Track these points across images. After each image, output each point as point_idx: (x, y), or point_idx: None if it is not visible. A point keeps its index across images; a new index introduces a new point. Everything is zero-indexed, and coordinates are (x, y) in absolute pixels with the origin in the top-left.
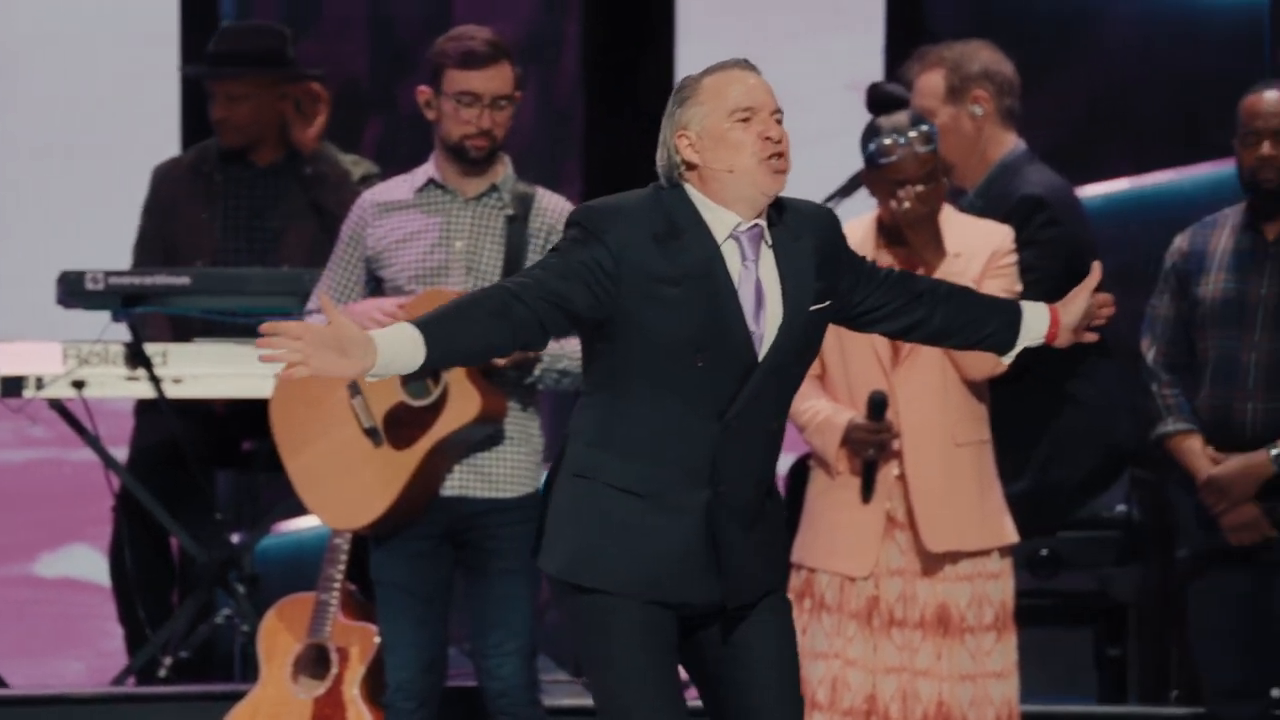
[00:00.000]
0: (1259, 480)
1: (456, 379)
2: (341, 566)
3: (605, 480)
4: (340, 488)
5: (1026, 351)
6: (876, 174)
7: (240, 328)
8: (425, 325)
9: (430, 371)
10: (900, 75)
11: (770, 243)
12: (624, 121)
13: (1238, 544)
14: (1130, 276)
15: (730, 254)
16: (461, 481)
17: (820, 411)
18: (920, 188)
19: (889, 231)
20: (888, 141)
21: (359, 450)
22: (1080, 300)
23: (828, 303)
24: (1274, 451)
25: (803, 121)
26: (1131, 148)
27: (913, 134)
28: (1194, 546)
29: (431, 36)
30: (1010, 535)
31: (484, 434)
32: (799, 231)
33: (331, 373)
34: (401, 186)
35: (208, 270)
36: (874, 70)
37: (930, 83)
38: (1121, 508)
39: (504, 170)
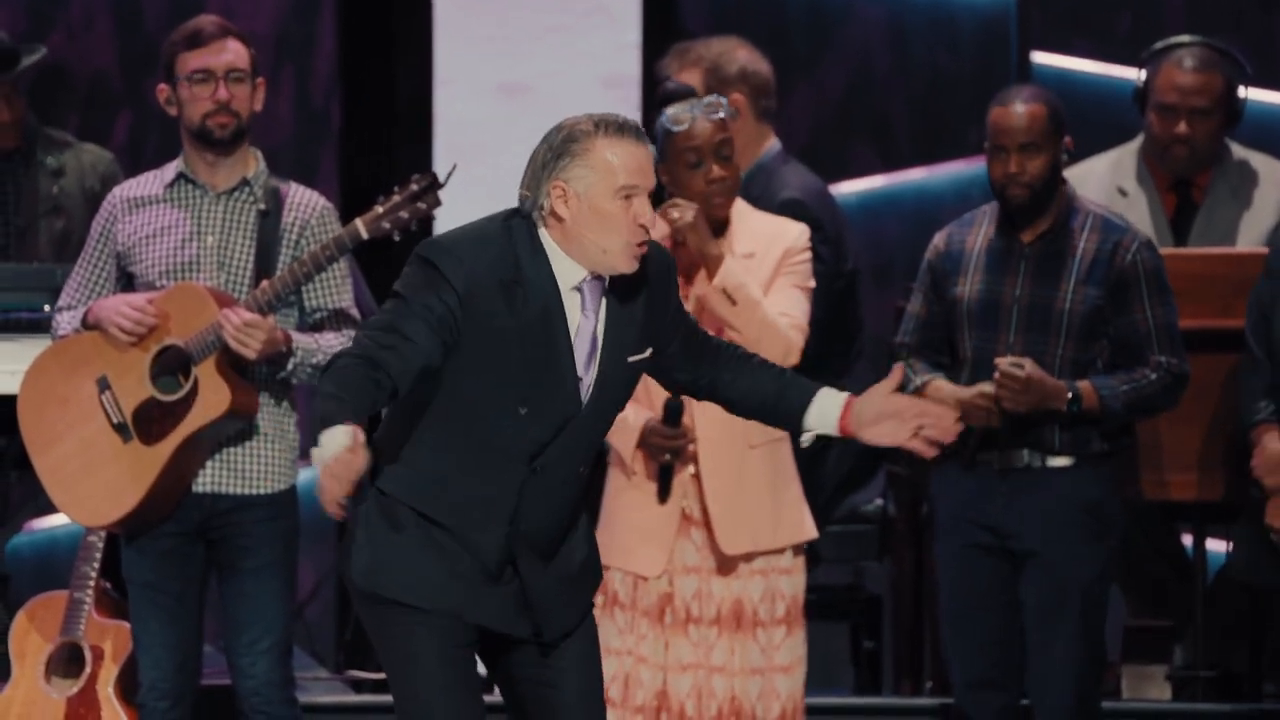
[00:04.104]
0: (1046, 398)
1: (207, 373)
2: (95, 564)
3: (406, 502)
4: (89, 485)
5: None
6: (670, 148)
7: None
8: (354, 412)
9: (180, 365)
10: (657, 71)
11: (606, 291)
12: (381, 120)
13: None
14: (885, 274)
15: (571, 304)
16: (214, 477)
17: None
18: (716, 169)
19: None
20: (684, 112)
21: (108, 446)
22: (875, 397)
23: (648, 352)
24: (1070, 394)
25: (558, 117)
26: (884, 145)
27: (703, 105)
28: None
29: None
30: (808, 531)
31: (236, 428)
32: (638, 278)
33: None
34: (152, 181)
35: None
36: (630, 66)
37: (688, 81)
38: (878, 502)
39: (256, 164)
